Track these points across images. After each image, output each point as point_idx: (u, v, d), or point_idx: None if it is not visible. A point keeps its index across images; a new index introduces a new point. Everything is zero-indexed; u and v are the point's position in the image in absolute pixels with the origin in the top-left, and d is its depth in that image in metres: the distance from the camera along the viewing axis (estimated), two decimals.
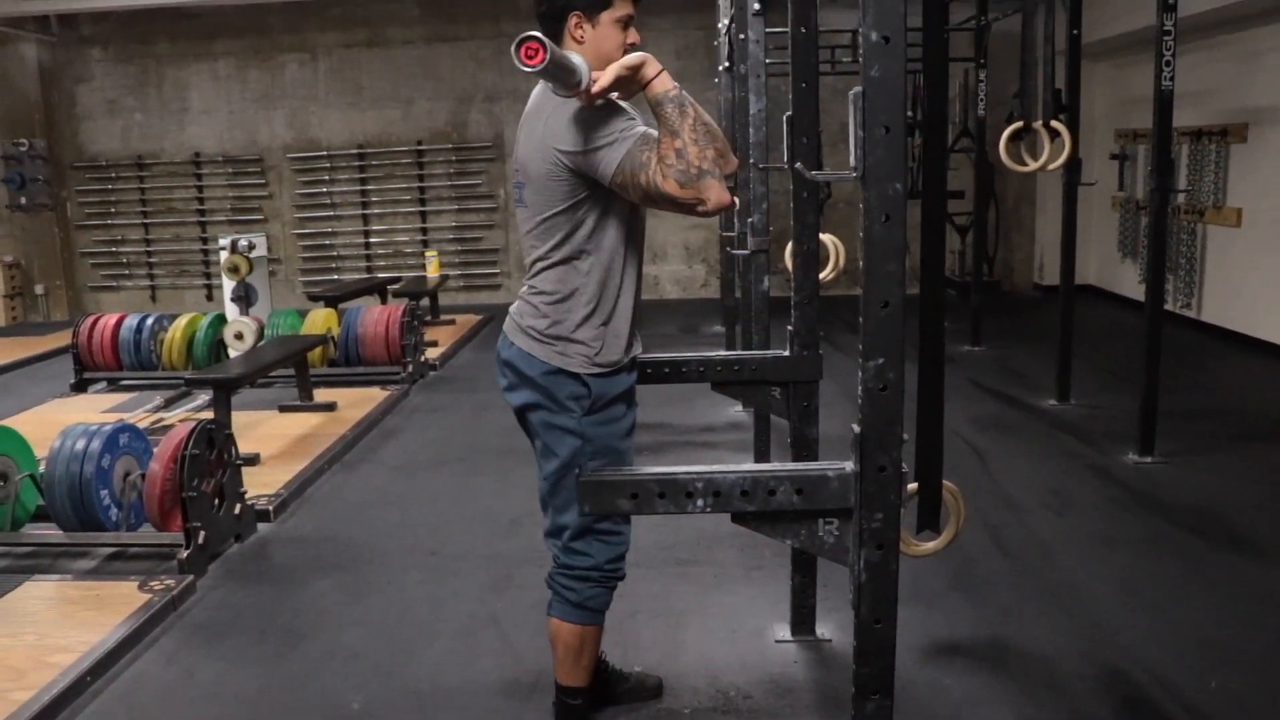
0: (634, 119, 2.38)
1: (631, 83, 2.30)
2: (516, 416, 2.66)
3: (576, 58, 2.18)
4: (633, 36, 2.51)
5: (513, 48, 1.92)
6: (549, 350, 2.52)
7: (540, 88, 2.51)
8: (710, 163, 2.22)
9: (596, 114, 2.31)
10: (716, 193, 2.23)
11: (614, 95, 2.36)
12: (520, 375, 2.56)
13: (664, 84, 2.27)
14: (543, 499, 2.66)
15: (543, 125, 2.41)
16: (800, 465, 2.22)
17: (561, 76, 2.15)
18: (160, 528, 4.27)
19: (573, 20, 2.46)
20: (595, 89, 2.22)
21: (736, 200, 5.10)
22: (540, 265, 2.53)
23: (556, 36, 2.48)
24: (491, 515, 4.72)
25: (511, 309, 2.66)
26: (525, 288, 2.61)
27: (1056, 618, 3.59)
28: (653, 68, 2.27)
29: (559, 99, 2.36)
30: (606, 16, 2.47)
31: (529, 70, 1.93)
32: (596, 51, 2.44)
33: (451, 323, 10.38)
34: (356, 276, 11.86)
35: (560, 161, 2.36)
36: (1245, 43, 7.95)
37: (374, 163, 12.07)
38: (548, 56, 1.93)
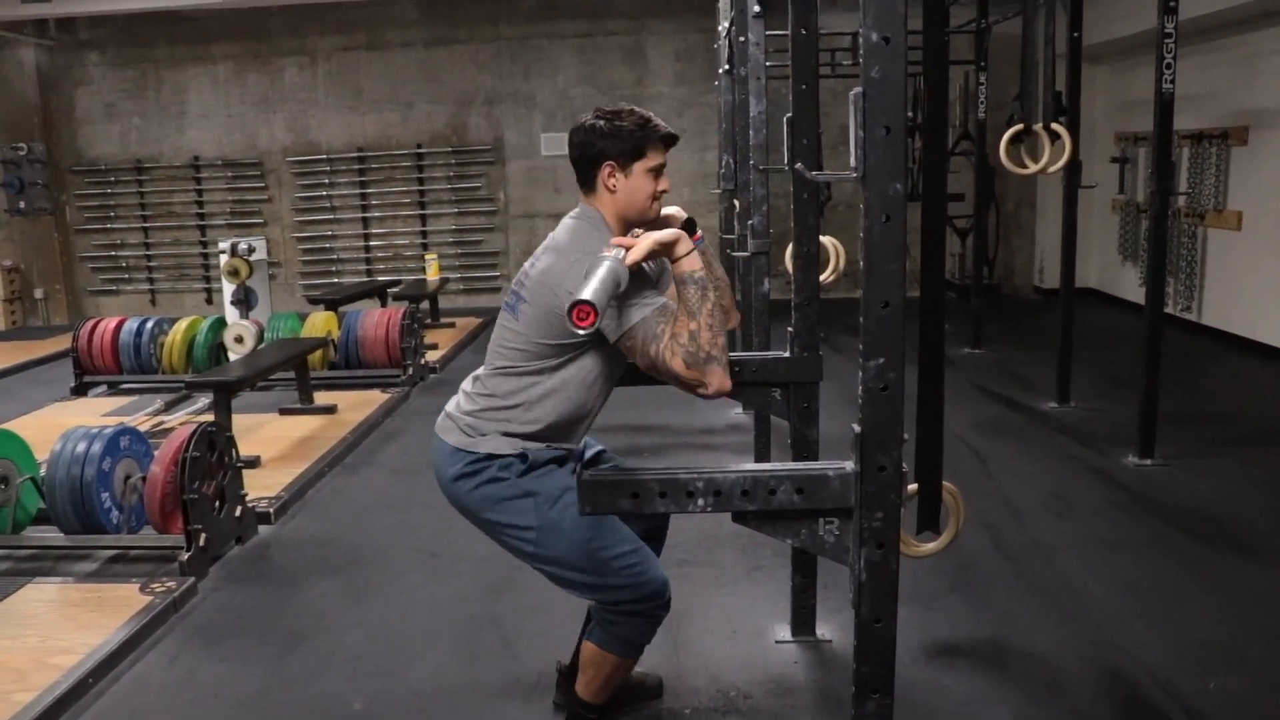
0: (655, 288, 2.44)
1: (662, 255, 2.36)
2: (477, 525, 2.66)
3: (608, 263, 2.20)
4: (664, 184, 2.58)
5: (565, 311, 1.95)
6: (476, 440, 2.55)
7: (573, 220, 2.58)
8: (720, 349, 2.28)
9: None
10: (719, 379, 2.29)
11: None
12: (454, 478, 2.58)
13: (692, 264, 2.32)
14: (557, 581, 2.62)
15: (566, 265, 2.43)
16: (801, 465, 2.23)
17: (612, 298, 2.23)
18: (161, 530, 4.27)
19: (606, 170, 2.52)
20: (629, 261, 2.26)
21: (738, 201, 5.10)
22: (500, 370, 2.56)
23: (590, 182, 2.56)
24: None
25: (448, 406, 2.68)
26: (472, 384, 2.64)
27: (1056, 619, 3.59)
28: (684, 246, 2.33)
29: (588, 245, 2.42)
30: (639, 166, 2.53)
31: (583, 333, 1.97)
32: (629, 199, 2.54)
33: (451, 325, 10.38)
34: (356, 279, 11.85)
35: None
36: (1246, 46, 7.96)
37: (374, 166, 12.08)
38: (599, 315, 1.96)
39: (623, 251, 2.26)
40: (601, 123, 2.52)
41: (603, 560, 2.51)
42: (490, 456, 2.53)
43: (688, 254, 2.32)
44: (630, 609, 2.57)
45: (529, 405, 2.52)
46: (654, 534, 2.92)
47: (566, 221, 2.60)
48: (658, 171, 2.56)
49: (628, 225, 2.58)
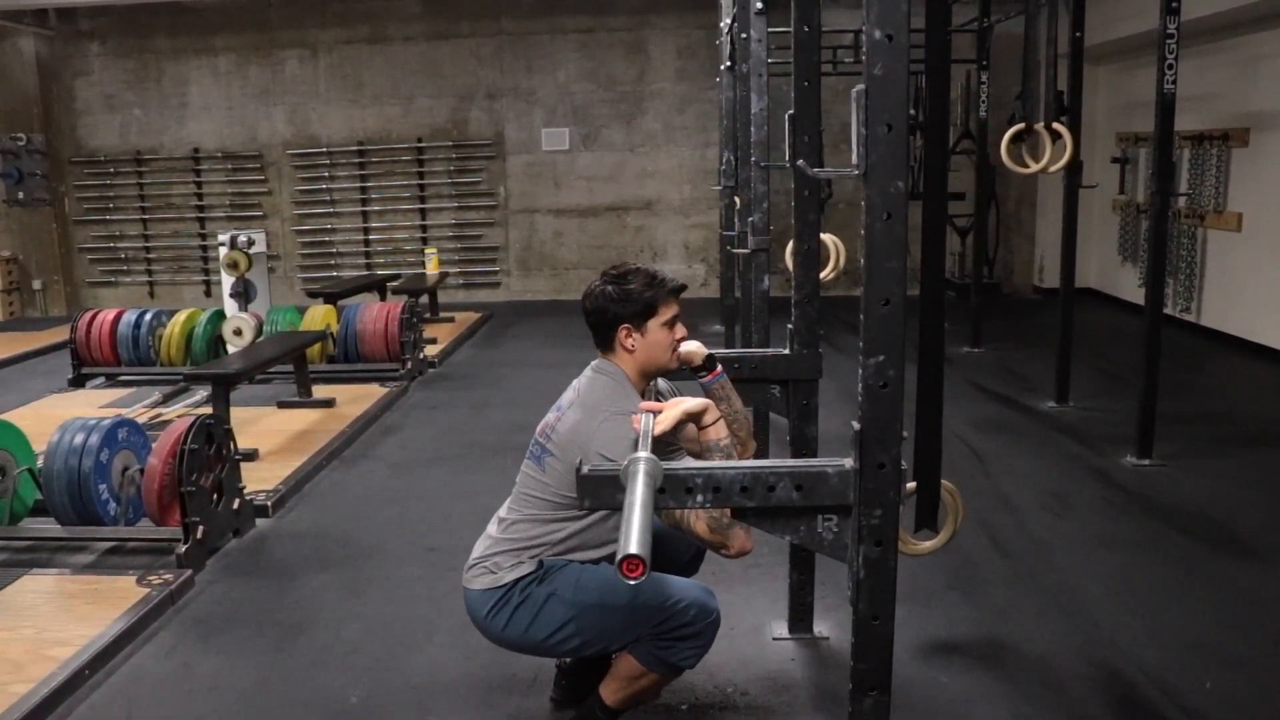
0: (681, 450, 2.50)
1: (690, 423, 2.41)
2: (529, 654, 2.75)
3: (643, 479, 2.04)
4: (680, 332, 2.66)
5: (616, 566, 1.93)
6: (501, 575, 2.63)
7: (594, 380, 2.64)
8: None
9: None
10: (741, 542, 2.32)
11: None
12: (488, 615, 2.65)
13: (718, 433, 2.39)
14: (618, 648, 2.69)
15: (596, 425, 2.50)
16: (800, 461, 2.22)
17: None
18: (159, 522, 4.27)
19: (622, 332, 2.61)
20: (658, 431, 2.30)
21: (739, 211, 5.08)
22: (527, 518, 2.64)
23: (608, 343, 2.65)
24: (490, 511, 4.65)
25: (472, 557, 2.74)
26: (498, 527, 2.71)
27: (1054, 618, 3.59)
28: (711, 415, 2.40)
29: (617, 405, 2.50)
30: (654, 323, 2.62)
31: (632, 583, 1.96)
32: (649, 355, 2.63)
33: (451, 320, 10.37)
34: (356, 273, 11.85)
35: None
36: (1247, 47, 7.96)
37: (374, 159, 12.06)
38: (648, 566, 1.94)
39: (651, 419, 2.31)
40: (611, 288, 2.61)
41: (640, 608, 2.57)
42: (514, 583, 2.61)
43: (714, 423, 2.39)
44: (678, 634, 2.60)
45: (553, 544, 2.62)
46: (690, 564, 2.98)
47: (588, 375, 2.68)
48: (673, 323, 2.64)
49: (648, 377, 2.68)
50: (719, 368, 2.73)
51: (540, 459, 2.62)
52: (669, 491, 2.07)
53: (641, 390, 2.67)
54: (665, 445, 2.40)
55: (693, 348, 2.74)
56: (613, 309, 2.60)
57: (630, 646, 2.69)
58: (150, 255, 12.43)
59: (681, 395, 2.63)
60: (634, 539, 1.92)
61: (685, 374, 2.85)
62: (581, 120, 11.82)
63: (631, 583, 1.94)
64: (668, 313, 2.63)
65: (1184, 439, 5.56)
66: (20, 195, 11.67)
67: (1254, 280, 7.90)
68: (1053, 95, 6.01)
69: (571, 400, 2.65)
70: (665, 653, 2.61)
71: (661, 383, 2.82)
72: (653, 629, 2.59)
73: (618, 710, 2.77)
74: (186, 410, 6.64)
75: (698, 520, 2.31)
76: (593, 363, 2.71)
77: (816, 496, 2.01)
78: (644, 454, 2.10)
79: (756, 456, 4.93)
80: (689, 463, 2.24)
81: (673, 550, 2.88)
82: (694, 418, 2.39)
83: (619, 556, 1.94)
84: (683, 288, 2.69)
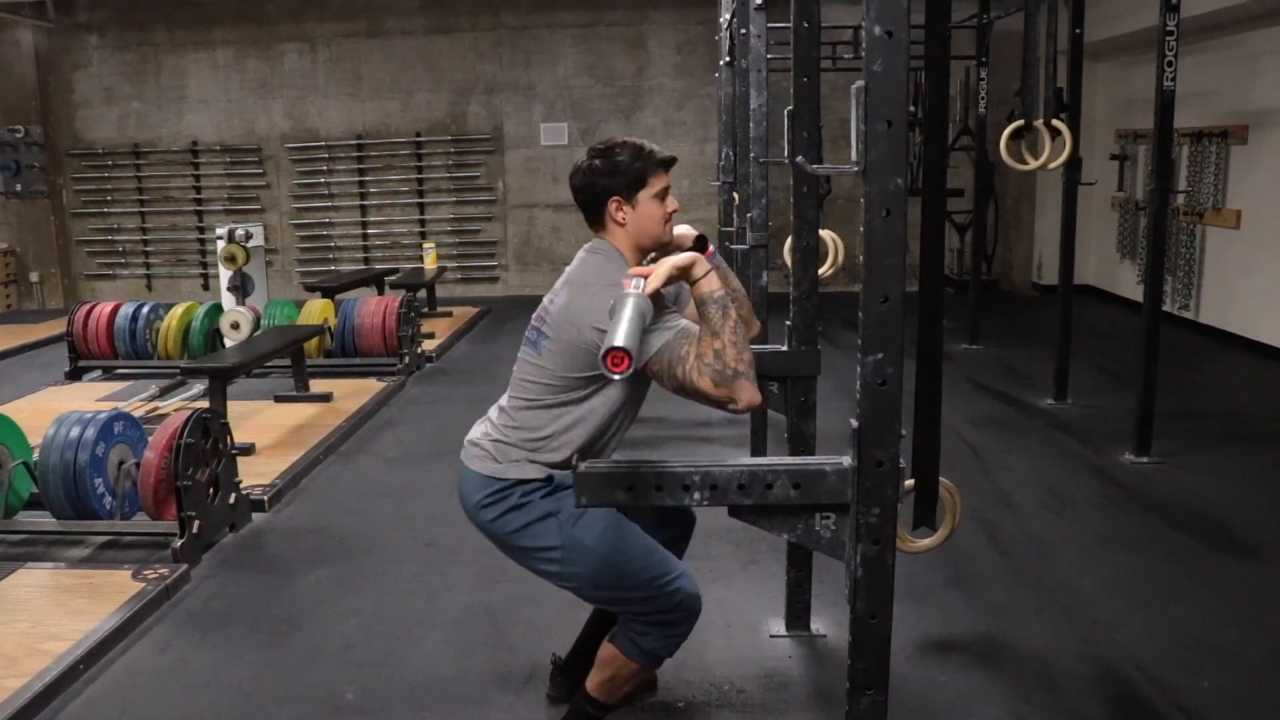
0: (677, 313, 2.44)
1: (680, 279, 2.35)
2: (505, 552, 2.69)
3: (632, 303, 2.16)
4: (671, 205, 2.59)
5: (600, 358, 1.93)
6: (505, 467, 2.57)
7: (588, 259, 2.58)
8: (746, 364, 2.25)
9: None
10: (749, 394, 2.26)
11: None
12: (480, 505, 2.60)
13: (710, 285, 2.30)
14: (590, 599, 2.66)
15: (587, 300, 2.45)
16: (798, 459, 2.22)
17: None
18: (155, 516, 4.26)
19: (612, 205, 2.54)
20: (648, 290, 2.24)
21: (739, 206, 5.08)
22: (526, 404, 2.57)
23: (599, 218, 2.58)
24: None
25: (472, 434, 2.69)
26: (498, 414, 2.65)
27: (1052, 616, 3.59)
28: (701, 268, 2.31)
29: (607, 278, 2.43)
30: (644, 195, 2.54)
31: (618, 378, 1.95)
32: (641, 228, 2.55)
33: (449, 315, 10.36)
34: (354, 267, 11.82)
35: (594, 342, 2.37)
36: (1246, 45, 7.95)
37: (372, 153, 12.05)
38: (634, 360, 1.94)
39: (642, 282, 2.25)
40: (598, 161, 2.54)
41: (627, 573, 2.52)
42: (517, 483, 2.55)
43: (705, 275, 2.31)
44: (658, 619, 2.57)
45: (557, 435, 2.54)
46: (679, 538, 2.93)
47: (581, 255, 2.61)
48: (663, 195, 2.57)
49: (643, 252, 2.60)
50: (711, 247, 2.63)
51: (536, 344, 2.55)
52: (665, 489, 2.07)
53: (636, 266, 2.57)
54: (660, 309, 2.35)
55: (683, 230, 2.67)
56: (601, 182, 2.53)
57: (611, 634, 2.67)
58: (148, 248, 12.41)
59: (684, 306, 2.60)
60: (620, 334, 1.93)
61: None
62: (580, 115, 11.80)
63: (616, 377, 1.92)
64: (658, 184, 2.55)
65: (1182, 436, 5.56)
66: (18, 188, 11.64)
67: (1252, 277, 7.90)
68: (1052, 92, 5.99)
69: (565, 281, 2.58)
70: (645, 639, 2.59)
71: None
72: (634, 608, 2.56)
73: (602, 702, 2.74)
74: (183, 404, 6.62)
75: (700, 376, 2.24)
76: (586, 244, 2.65)
77: (814, 494, 2.01)
78: (633, 291, 2.14)
79: (755, 454, 4.94)
80: (686, 459, 2.23)
81: (664, 527, 2.84)
82: (683, 272, 2.30)
83: (603, 350, 1.93)
84: (673, 159, 2.61)
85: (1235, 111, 8.09)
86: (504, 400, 2.67)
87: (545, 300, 2.60)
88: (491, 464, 2.58)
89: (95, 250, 12.43)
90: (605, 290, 2.40)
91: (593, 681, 2.74)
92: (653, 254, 2.62)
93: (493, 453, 2.59)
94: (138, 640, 3.53)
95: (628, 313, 2.09)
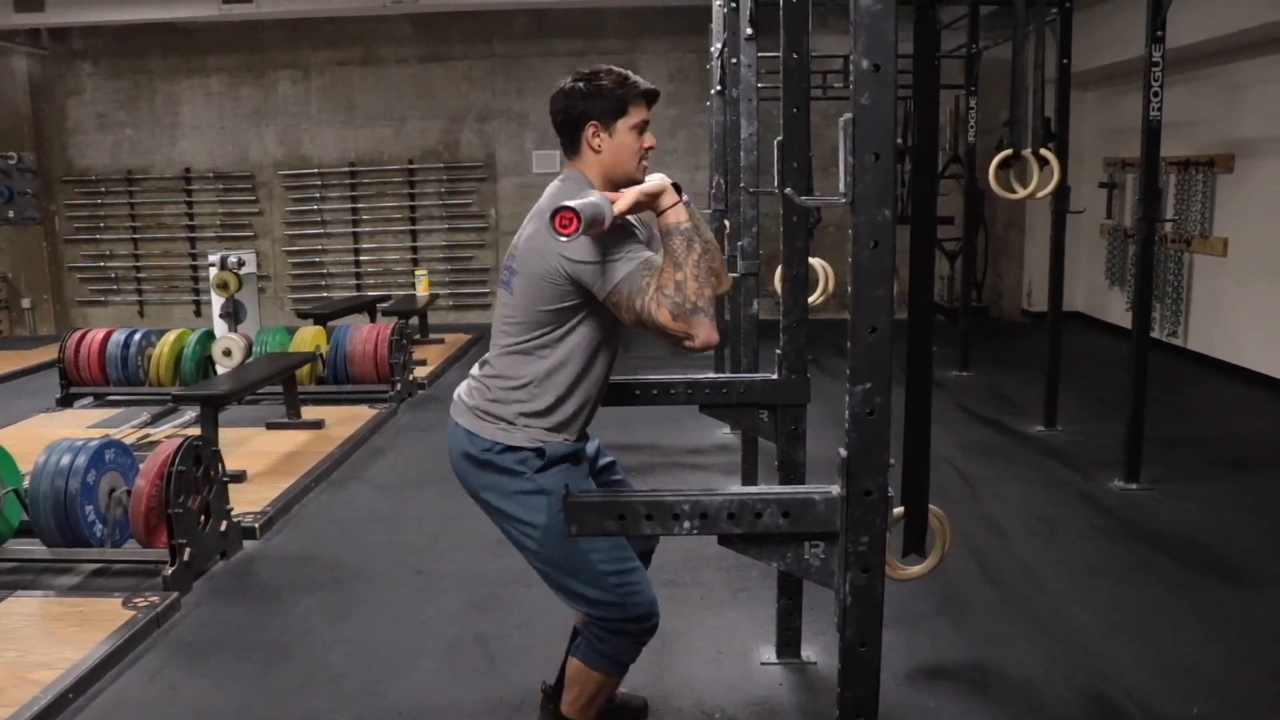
0: (641, 243, 2.41)
1: (648, 207, 2.34)
2: (478, 503, 2.66)
3: (595, 197, 2.17)
4: (649, 140, 2.57)
5: (546, 220, 1.93)
6: (494, 428, 2.53)
7: (556, 186, 2.55)
8: (706, 301, 2.24)
9: (608, 230, 2.32)
10: (706, 331, 2.24)
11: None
12: (467, 457, 2.57)
13: (678, 215, 2.29)
14: (550, 581, 2.62)
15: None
16: (787, 488, 2.23)
17: (593, 226, 2.19)
18: (145, 544, 4.25)
19: (590, 129, 2.51)
20: (615, 212, 2.24)
21: (729, 225, 5.10)
22: (505, 349, 2.54)
23: (574, 144, 2.54)
24: (478, 535, 4.70)
25: (459, 390, 2.67)
26: (480, 368, 2.62)
27: (1041, 643, 3.59)
28: (669, 197, 2.31)
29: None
30: (622, 124, 2.52)
31: (565, 239, 1.95)
32: (615, 158, 2.52)
33: (441, 342, 10.37)
34: (346, 294, 11.84)
35: (561, 269, 2.36)
36: (1232, 75, 8.03)
37: (365, 181, 12.08)
38: (581, 223, 1.95)
39: (609, 205, 2.24)
40: (581, 84, 2.51)
41: (599, 572, 2.50)
42: (506, 449, 2.51)
43: (673, 205, 2.29)
44: (617, 626, 2.56)
45: (538, 381, 2.49)
46: (645, 551, 2.93)
47: (552, 186, 2.57)
48: (642, 128, 2.54)
49: (614, 186, 2.53)
50: (685, 196, 2.62)
51: (508, 282, 2.52)
52: (656, 518, 2.08)
53: None
54: (627, 239, 2.34)
55: (658, 177, 2.54)
56: (580, 105, 2.50)
57: (572, 649, 2.66)
58: (140, 275, 12.41)
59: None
60: (573, 200, 1.92)
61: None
62: None
63: (563, 239, 1.92)
64: (638, 115, 2.52)
65: (1171, 463, 5.58)
66: (10, 214, 11.63)
67: (1240, 304, 7.95)
68: (1040, 121, 6.04)
69: (533, 213, 2.55)
70: (605, 645, 2.58)
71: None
72: (595, 610, 2.54)
73: None
74: (175, 431, 6.61)
75: (659, 308, 2.22)
76: (559, 174, 2.61)
77: (804, 523, 2.02)
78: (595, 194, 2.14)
79: (745, 482, 4.95)
80: (675, 489, 2.23)
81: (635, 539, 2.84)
82: (651, 198, 2.29)
83: (550, 211, 1.95)
84: (656, 93, 2.57)
85: (1222, 141, 8.17)
86: (487, 354, 2.63)
87: (515, 239, 2.57)
88: (477, 421, 2.55)
89: (87, 276, 12.43)
90: None
91: (565, 700, 2.73)
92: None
93: (478, 410, 2.56)
94: (128, 669, 3.51)
95: (590, 196, 2.11)
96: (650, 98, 2.55)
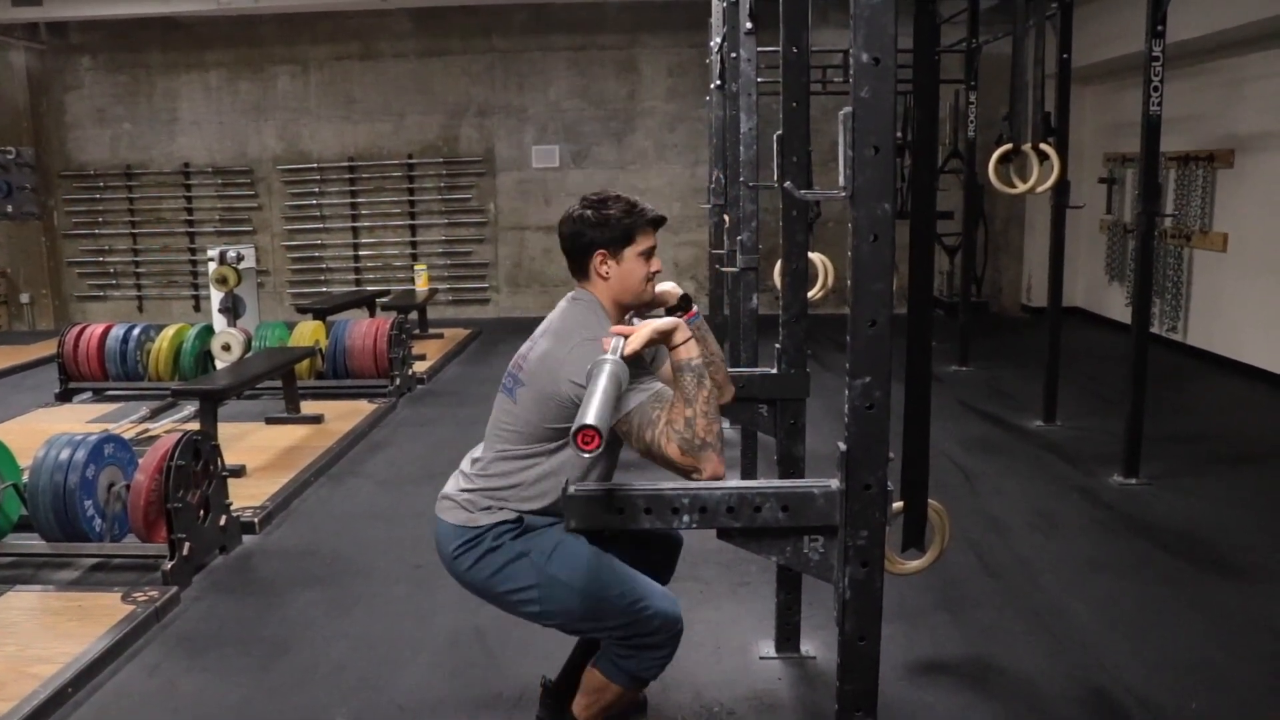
0: (652, 375, 2.46)
1: (661, 344, 2.37)
2: (481, 597, 2.69)
3: (608, 372, 2.14)
4: (655, 265, 2.62)
5: (570, 435, 1.93)
6: (476, 515, 2.58)
7: (566, 308, 2.59)
8: (715, 436, 2.27)
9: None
10: (713, 465, 2.27)
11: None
12: (454, 551, 2.60)
13: (689, 352, 2.33)
14: (566, 630, 2.67)
15: (566, 351, 2.45)
16: (786, 482, 2.23)
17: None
18: (144, 539, 4.25)
19: (598, 257, 2.56)
20: (628, 350, 2.26)
21: (727, 216, 5.10)
22: (500, 455, 2.58)
23: (583, 270, 2.59)
24: None
25: (447, 487, 2.69)
26: (471, 465, 2.66)
27: (1040, 638, 3.60)
28: (681, 335, 2.34)
29: (588, 331, 2.46)
30: (630, 251, 2.57)
31: (587, 456, 1.95)
32: (623, 285, 2.58)
33: (440, 336, 10.37)
34: (345, 289, 11.84)
35: (571, 395, 2.39)
36: (1233, 70, 8.03)
37: (364, 175, 12.07)
38: (604, 439, 1.95)
39: (621, 341, 2.27)
40: (589, 212, 2.56)
41: (604, 600, 2.52)
42: (490, 527, 2.56)
43: (685, 342, 2.33)
44: (639, 643, 2.56)
45: (526, 485, 2.55)
46: (664, 563, 2.92)
47: (563, 305, 2.62)
48: (649, 254, 2.60)
49: (624, 309, 2.62)
50: (695, 309, 2.65)
51: (512, 391, 2.56)
52: (655, 511, 2.08)
53: (616, 322, 2.60)
54: (638, 369, 2.36)
55: (668, 287, 2.68)
56: (589, 233, 2.55)
57: (594, 659, 2.67)
58: (139, 270, 12.40)
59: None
60: (592, 411, 1.93)
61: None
62: (572, 138, 11.85)
63: (586, 455, 1.93)
64: (645, 242, 2.58)
65: (1170, 458, 5.58)
66: (9, 209, 11.61)
67: (1239, 300, 7.95)
68: (1040, 116, 6.04)
69: (545, 329, 2.59)
70: (627, 663, 2.59)
71: (637, 320, 2.73)
72: (615, 633, 2.56)
73: None
74: (174, 426, 6.61)
75: (669, 443, 2.25)
76: (569, 293, 2.66)
77: (803, 517, 2.02)
78: (610, 356, 2.12)
79: (744, 476, 4.95)
80: (675, 482, 2.23)
81: (646, 554, 2.86)
82: (664, 336, 2.32)
83: (574, 428, 1.93)
84: (662, 219, 2.64)
85: (1222, 136, 8.17)
86: (477, 451, 2.68)
87: (524, 347, 2.62)
88: (463, 514, 2.60)
89: (86, 271, 12.42)
90: (585, 345, 2.41)
91: (578, 705, 2.74)
92: (632, 313, 2.66)
93: (464, 504, 2.60)
94: (127, 663, 3.52)
95: (603, 383, 2.07)
96: (657, 223, 2.62)
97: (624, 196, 2.59)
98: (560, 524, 2.58)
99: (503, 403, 2.60)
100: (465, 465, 2.69)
